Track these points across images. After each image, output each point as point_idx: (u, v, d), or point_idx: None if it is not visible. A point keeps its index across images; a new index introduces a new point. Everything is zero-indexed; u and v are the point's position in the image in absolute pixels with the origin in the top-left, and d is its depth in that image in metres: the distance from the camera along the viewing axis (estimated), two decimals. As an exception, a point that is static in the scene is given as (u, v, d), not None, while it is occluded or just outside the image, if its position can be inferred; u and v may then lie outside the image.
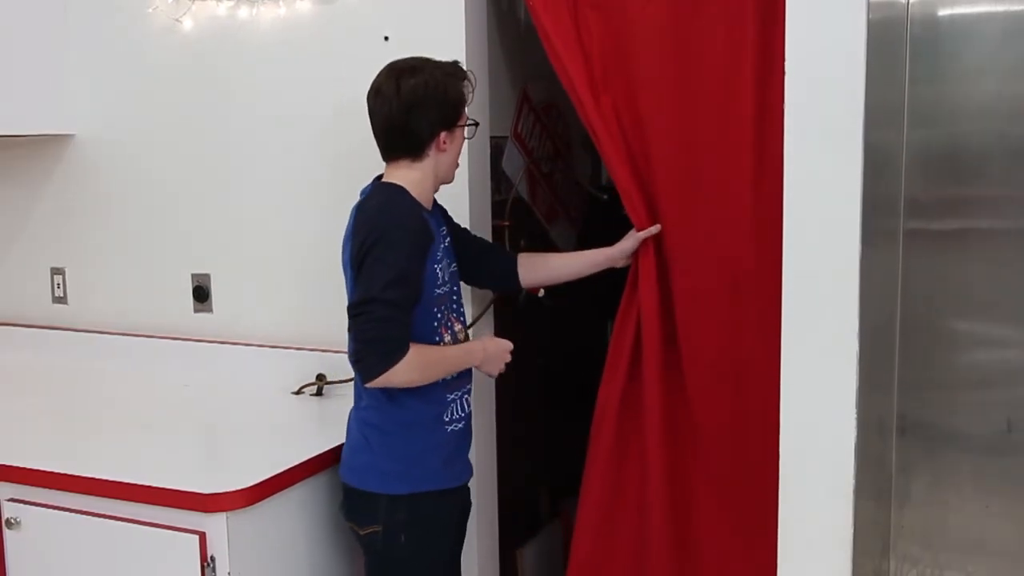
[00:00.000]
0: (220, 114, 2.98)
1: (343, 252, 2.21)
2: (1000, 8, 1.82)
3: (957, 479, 1.96)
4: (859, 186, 1.74)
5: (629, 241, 2.47)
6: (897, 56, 1.86)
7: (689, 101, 2.39)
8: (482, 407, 2.71)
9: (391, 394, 2.18)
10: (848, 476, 1.80)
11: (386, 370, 2.06)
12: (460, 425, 2.29)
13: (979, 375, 1.92)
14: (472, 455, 2.40)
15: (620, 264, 2.51)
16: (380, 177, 2.27)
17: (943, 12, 1.85)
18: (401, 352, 2.06)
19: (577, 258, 2.58)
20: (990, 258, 1.89)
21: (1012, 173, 1.85)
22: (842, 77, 1.72)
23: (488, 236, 2.77)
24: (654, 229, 2.43)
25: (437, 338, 2.23)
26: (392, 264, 2.07)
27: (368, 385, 2.12)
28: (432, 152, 2.21)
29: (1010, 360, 1.90)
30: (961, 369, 1.93)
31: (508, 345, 2.35)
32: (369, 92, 2.21)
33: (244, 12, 2.87)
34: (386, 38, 2.68)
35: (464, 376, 2.32)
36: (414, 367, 2.10)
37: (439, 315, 2.23)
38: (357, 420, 2.28)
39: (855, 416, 1.78)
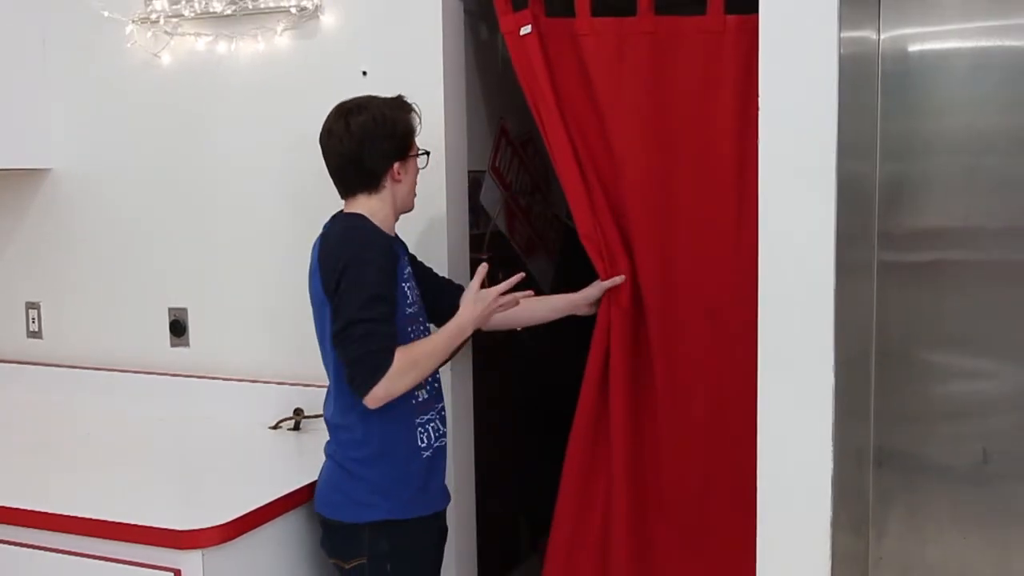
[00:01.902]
0: (198, 149, 2.97)
1: (310, 285, 2.24)
2: (968, 44, 1.86)
3: (934, 510, 1.96)
4: (833, 219, 1.76)
5: (593, 289, 2.50)
6: (869, 91, 1.88)
7: (668, 137, 2.42)
8: (460, 438, 2.70)
9: (364, 422, 2.19)
10: (826, 508, 1.80)
11: (376, 383, 2.09)
12: (429, 452, 2.28)
13: (954, 406, 1.93)
14: (450, 484, 2.39)
15: (583, 312, 2.54)
16: (340, 212, 2.31)
17: (913, 48, 1.88)
18: (387, 363, 2.09)
19: (539, 303, 2.57)
20: (963, 290, 1.91)
21: (983, 205, 1.88)
22: (815, 112, 1.75)
23: (466, 269, 2.78)
24: (618, 279, 2.46)
25: None
26: (366, 284, 2.12)
27: (371, 405, 2.14)
28: (388, 183, 2.27)
29: (984, 391, 1.91)
30: (936, 400, 1.94)
31: (489, 295, 2.28)
32: (321, 134, 2.28)
33: (223, 47, 2.88)
34: (364, 73, 2.70)
35: (433, 398, 2.31)
36: (405, 369, 2.12)
37: (412, 335, 2.25)
38: (331, 453, 2.28)
39: (831, 448, 1.78)
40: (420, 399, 2.27)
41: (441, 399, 2.36)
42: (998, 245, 1.88)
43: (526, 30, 2.45)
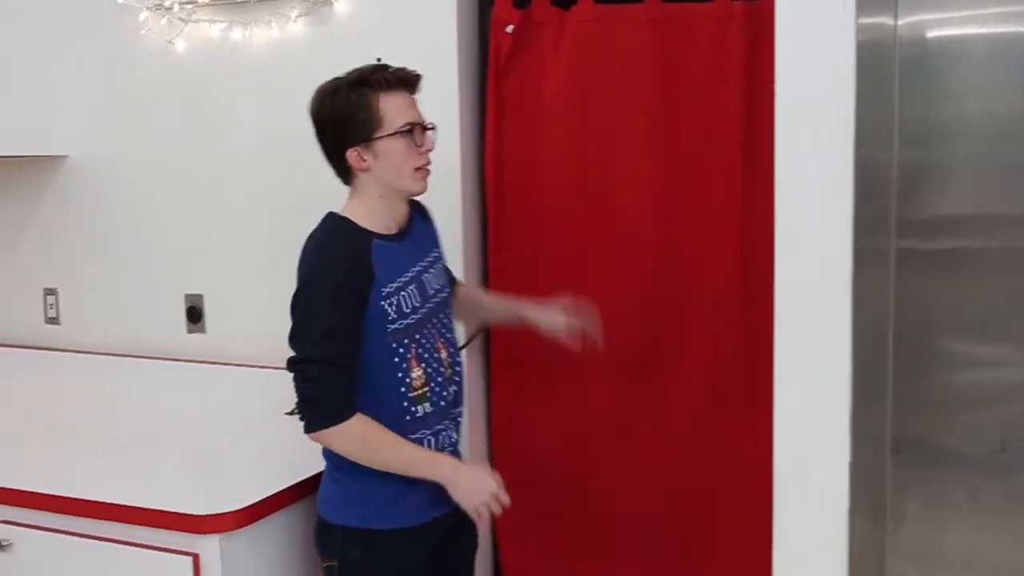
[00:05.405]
0: (213, 135, 2.98)
1: None
2: (986, 30, 1.84)
3: (952, 498, 1.96)
4: (850, 206, 1.75)
5: (557, 316, 2.31)
6: (886, 77, 1.87)
7: (676, 122, 2.40)
8: (474, 440, 2.68)
9: None
10: (843, 496, 1.80)
11: (320, 429, 2.00)
12: None
13: (973, 394, 1.92)
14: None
15: (540, 327, 2.33)
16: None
17: (931, 34, 1.86)
18: (340, 416, 1.99)
19: (503, 304, 2.45)
20: (982, 277, 1.90)
21: (1001, 192, 1.86)
22: (832, 98, 1.74)
23: (482, 260, 2.75)
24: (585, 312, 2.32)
25: (400, 374, 2.07)
26: (320, 316, 1.99)
27: (309, 439, 2.05)
28: (358, 173, 2.08)
29: (1003, 379, 1.90)
30: (955, 388, 1.93)
31: (490, 483, 2.06)
32: None
33: (237, 33, 2.87)
34: (379, 59, 2.68)
35: (439, 413, 2.14)
36: (354, 440, 2.02)
37: (400, 349, 2.07)
38: (323, 451, 2.18)
39: (849, 436, 1.78)
40: (419, 414, 2.10)
41: (456, 406, 2.20)
42: (1017, 232, 1.87)
43: (509, 29, 2.47)
